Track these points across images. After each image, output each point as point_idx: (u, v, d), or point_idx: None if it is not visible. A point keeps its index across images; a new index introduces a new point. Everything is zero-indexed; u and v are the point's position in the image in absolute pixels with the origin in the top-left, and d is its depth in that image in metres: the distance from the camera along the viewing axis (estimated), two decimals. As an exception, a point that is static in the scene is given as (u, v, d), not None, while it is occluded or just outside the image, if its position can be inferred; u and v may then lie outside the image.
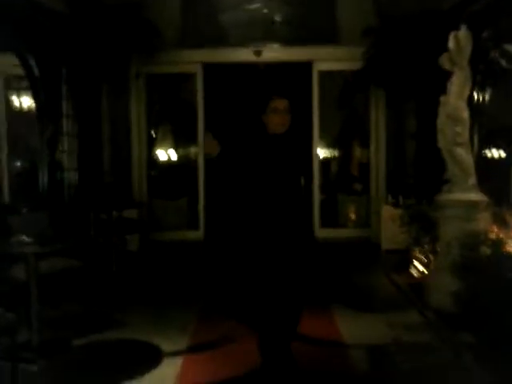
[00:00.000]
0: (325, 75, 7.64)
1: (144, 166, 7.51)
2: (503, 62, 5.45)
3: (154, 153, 7.99)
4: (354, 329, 4.04)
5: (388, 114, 7.26)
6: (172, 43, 7.21)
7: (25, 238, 3.65)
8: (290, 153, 3.19)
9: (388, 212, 6.33)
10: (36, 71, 5.62)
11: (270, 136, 3.19)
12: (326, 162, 8.45)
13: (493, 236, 4.12)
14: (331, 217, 7.90)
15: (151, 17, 6.83)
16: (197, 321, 4.26)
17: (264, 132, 3.21)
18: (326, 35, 7.54)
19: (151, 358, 3.53)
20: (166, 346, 3.70)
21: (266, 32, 7.66)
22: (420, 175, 6.72)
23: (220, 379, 3.17)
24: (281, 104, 3.15)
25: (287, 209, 3.08)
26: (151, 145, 7.88)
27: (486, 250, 3.69)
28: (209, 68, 7.66)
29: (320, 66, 7.57)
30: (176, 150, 8.27)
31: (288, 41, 7.51)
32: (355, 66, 6.99)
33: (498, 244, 3.72)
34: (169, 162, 8.18)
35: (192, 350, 3.66)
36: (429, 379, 3.22)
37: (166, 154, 8.17)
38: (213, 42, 7.45)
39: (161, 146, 8.12)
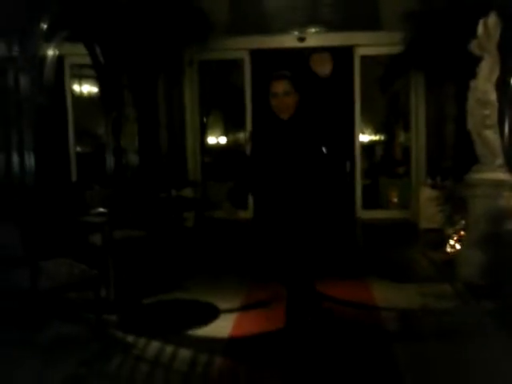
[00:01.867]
0: (366, 60, 7.95)
1: (198, 149, 8.10)
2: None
3: (206, 138, 8.57)
4: (387, 296, 4.50)
5: (428, 98, 7.53)
6: (221, 31, 7.67)
7: (101, 209, 4.29)
8: (299, 139, 3.04)
9: (426, 193, 6.66)
10: (101, 59, 6.22)
11: (277, 121, 3.07)
12: (370, 146, 8.85)
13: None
14: (373, 199, 8.29)
15: (202, 6, 7.30)
16: (248, 285, 4.82)
17: (273, 117, 3.09)
18: (368, 21, 7.86)
19: (210, 314, 4.13)
20: (222, 305, 4.29)
21: (310, 17, 8.05)
22: (459, 157, 6.98)
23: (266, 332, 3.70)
24: (278, 87, 3.00)
25: (299, 193, 3.06)
26: (204, 129, 8.45)
27: (510, 225, 4.05)
28: (256, 54, 8.11)
29: (361, 51, 7.89)
30: (226, 135, 8.82)
31: (330, 26, 7.87)
32: (396, 50, 7.27)
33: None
34: (219, 147, 8.75)
35: (245, 307, 4.23)
36: (450, 340, 3.65)
37: (216, 139, 8.75)
38: (260, 29, 7.90)
39: (212, 132, 8.70)
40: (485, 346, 3.51)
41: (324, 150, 3.14)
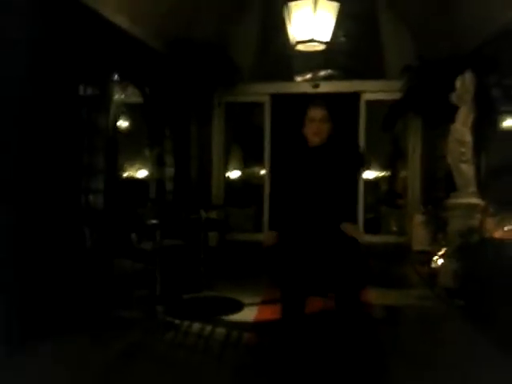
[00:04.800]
0: (371, 104, 9.14)
1: (222, 178, 9.28)
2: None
3: (228, 169, 9.77)
4: (381, 298, 5.56)
5: (423, 139, 8.67)
6: (247, 77, 8.91)
7: (154, 221, 5.43)
8: (330, 165, 3.09)
9: (418, 219, 7.71)
10: (150, 99, 7.36)
11: (309, 149, 3.16)
12: (376, 181, 10.04)
13: (488, 231, 5.54)
14: (376, 226, 9.38)
15: (232, 55, 8.55)
16: (265, 288, 5.88)
17: (304, 145, 3.17)
18: (374, 70, 9.09)
19: (236, 306, 5.21)
20: (245, 300, 5.37)
21: (324, 66, 9.29)
22: (448, 188, 8.04)
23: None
24: (317, 113, 3.12)
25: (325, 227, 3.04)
26: (227, 162, 9.64)
27: (476, 238, 5.11)
28: (276, 98, 9.33)
29: (367, 97, 9.09)
30: (245, 169, 10.06)
31: (341, 74, 9.11)
32: (396, 96, 8.43)
33: (483, 233, 5.14)
34: (239, 178, 9.97)
35: (264, 302, 5.29)
36: (427, 326, 4.69)
37: (237, 171, 9.97)
38: (280, 76, 9.16)
39: (233, 164, 9.92)
40: (453, 330, 4.55)
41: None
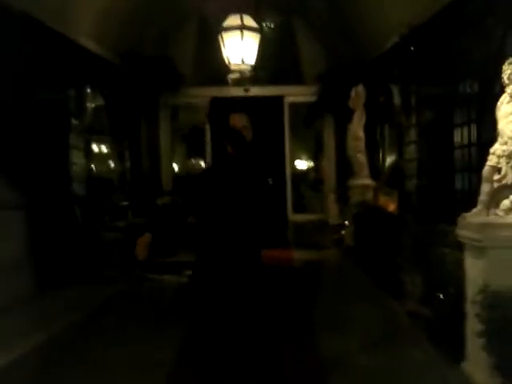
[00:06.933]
0: (293, 106, 10.97)
1: (170, 170, 10.83)
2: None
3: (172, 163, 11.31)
4: (304, 255, 7.45)
5: (336, 134, 10.60)
6: (189, 83, 10.39)
7: (125, 202, 6.99)
8: (246, 172, 2.92)
9: (331, 199, 9.67)
10: (109, 102, 8.70)
11: (229, 156, 2.91)
12: (305, 171, 11.95)
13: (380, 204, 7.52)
14: (301, 206, 11.28)
15: (175, 64, 10.01)
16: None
17: (224, 152, 2.93)
18: (294, 77, 10.88)
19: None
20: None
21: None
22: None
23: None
24: (238, 120, 2.89)
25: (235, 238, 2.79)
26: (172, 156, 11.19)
27: (365, 209, 7.06)
28: (214, 100, 10.93)
29: (289, 100, 10.93)
30: (188, 162, 11.63)
31: (267, 80, 10.82)
32: (313, 99, 10.28)
33: (370, 204, 7.11)
34: (184, 168, 11.55)
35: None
36: (330, 269, 6.60)
37: (177, 165, 11.51)
38: (218, 82, 10.71)
39: (179, 158, 11.47)
40: (346, 273, 6.49)
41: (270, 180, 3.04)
